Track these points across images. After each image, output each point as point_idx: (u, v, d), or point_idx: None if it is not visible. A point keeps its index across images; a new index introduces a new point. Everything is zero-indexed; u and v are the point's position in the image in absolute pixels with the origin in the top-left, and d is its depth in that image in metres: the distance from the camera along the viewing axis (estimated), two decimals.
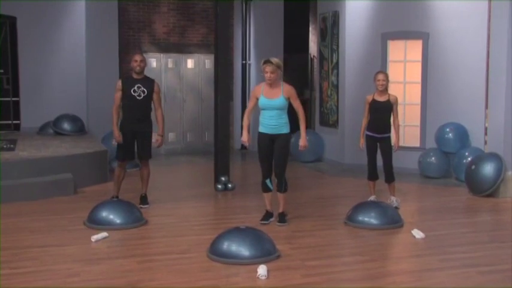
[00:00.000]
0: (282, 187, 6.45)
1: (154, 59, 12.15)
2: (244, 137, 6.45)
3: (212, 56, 10.83)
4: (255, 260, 5.03)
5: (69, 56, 11.99)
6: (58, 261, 5.15)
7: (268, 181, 6.49)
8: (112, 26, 11.86)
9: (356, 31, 10.32)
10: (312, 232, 6.21)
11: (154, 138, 7.29)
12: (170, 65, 12.30)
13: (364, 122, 7.35)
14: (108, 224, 6.21)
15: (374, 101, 7.23)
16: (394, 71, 10.05)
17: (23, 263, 5.07)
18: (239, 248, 5.13)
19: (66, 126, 11.23)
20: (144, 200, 7.33)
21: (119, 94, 7.11)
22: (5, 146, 9.23)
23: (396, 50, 10.10)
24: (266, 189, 6.54)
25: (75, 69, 11.92)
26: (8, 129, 11.83)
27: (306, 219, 6.79)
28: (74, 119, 11.36)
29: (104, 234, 5.92)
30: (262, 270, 4.79)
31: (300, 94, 15.07)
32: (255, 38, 12.81)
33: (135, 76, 7.14)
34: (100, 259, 5.24)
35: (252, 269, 4.87)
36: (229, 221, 6.56)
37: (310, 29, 13.79)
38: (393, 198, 7.36)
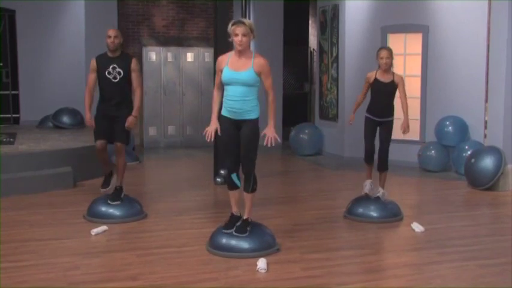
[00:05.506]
0: (250, 186, 5.23)
1: (154, 52, 12.11)
2: (210, 128, 5.26)
3: (212, 49, 10.82)
4: (254, 253, 5.03)
5: (68, 49, 12.01)
6: (58, 254, 5.15)
7: (234, 176, 5.30)
8: (111, 19, 11.83)
9: (356, 24, 10.31)
10: (311, 225, 6.21)
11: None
12: (169, 58, 12.26)
13: (360, 98, 6.57)
14: (108, 217, 6.21)
15: (376, 81, 6.43)
16: (394, 65, 10.02)
17: (23, 257, 5.07)
18: (239, 242, 5.13)
19: (65, 119, 11.25)
20: (116, 194, 6.38)
21: (93, 75, 6.29)
22: (4, 140, 9.22)
23: (396, 43, 10.06)
24: (232, 186, 5.34)
25: (74, 62, 11.94)
26: (7, 122, 11.83)
27: (305, 212, 6.80)
28: (73, 113, 11.38)
29: (104, 227, 5.92)
30: (261, 263, 4.80)
31: (300, 87, 15.12)
32: (255, 30, 12.76)
33: (110, 54, 6.27)
34: (100, 252, 5.24)
35: (251, 262, 4.87)
36: (228, 214, 6.55)
37: (310, 22, 13.77)
38: (380, 189, 6.59)
